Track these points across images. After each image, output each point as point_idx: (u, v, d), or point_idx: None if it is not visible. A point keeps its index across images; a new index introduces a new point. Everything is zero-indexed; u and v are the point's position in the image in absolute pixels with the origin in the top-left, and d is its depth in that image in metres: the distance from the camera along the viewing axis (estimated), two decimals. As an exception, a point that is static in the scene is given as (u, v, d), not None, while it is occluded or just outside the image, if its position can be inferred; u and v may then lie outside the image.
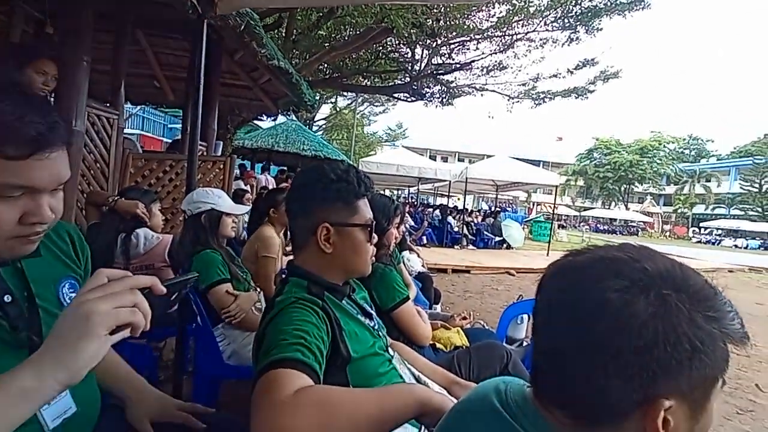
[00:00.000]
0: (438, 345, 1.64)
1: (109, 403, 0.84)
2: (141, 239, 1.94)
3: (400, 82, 10.33)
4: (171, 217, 3.11)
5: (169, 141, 7.11)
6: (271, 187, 6.00)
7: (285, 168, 11.18)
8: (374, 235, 0.99)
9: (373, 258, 1.02)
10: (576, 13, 7.39)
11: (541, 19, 7.71)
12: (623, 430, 0.44)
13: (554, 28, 7.81)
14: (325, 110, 22.17)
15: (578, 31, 7.68)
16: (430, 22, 7.45)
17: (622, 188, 42.46)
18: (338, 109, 22.25)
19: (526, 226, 17.54)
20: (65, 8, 2.44)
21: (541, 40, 8.33)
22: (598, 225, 40.15)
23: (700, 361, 0.41)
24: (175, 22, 3.31)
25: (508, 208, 32.21)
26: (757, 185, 36.19)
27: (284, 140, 9.38)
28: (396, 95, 10.91)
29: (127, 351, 0.92)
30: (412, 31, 7.36)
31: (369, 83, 11.27)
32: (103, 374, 0.85)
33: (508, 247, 11.92)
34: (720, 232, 35.61)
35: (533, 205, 36.73)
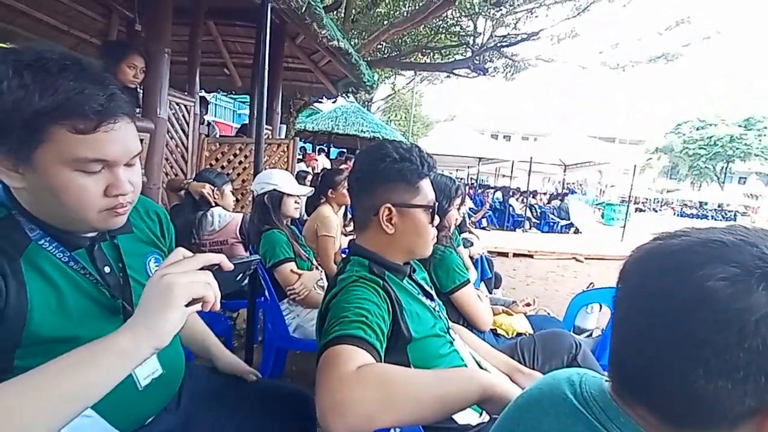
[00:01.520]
0: (499, 331, 1.59)
1: (193, 362, 0.95)
2: (216, 217, 2.10)
3: (460, 57, 9.90)
4: (241, 197, 3.33)
5: (238, 126, 7.59)
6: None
7: (344, 150, 11.42)
8: (436, 216, 0.96)
9: (434, 239, 1.00)
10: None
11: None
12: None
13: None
14: (383, 91, 22.09)
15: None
16: (495, -10, 6.99)
17: (718, 167, 37.23)
18: (396, 90, 22.02)
19: (597, 209, 16.25)
20: (149, 5, 2.65)
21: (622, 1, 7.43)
22: (684, 209, 35.55)
23: None
24: (241, 10, 3.45)
25: (576, 190, 30.00)
26: None
27: (344, 122, 9.55)
28: (456, 71, 10.49)
29: (207, 318, 1.02)
30: (474, 1, 6.96)
31: (428, 60, 10.95)
32: (192, 338, 1.00)
33: (576, 231, 11.15)
34: None
35: (606, 186, 33.60)
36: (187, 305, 0.54)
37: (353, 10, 7.92)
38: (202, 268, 0.57)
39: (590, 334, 1.96)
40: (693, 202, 35.71)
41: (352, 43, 9.06)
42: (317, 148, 10.83)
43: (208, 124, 4.65)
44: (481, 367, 1.02)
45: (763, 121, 34.95)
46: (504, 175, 15.65)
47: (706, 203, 34.90)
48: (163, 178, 2.66)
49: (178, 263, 0.56)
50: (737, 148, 34.61)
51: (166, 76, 2.56)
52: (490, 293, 2.69)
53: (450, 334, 1.00)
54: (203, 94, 5.56)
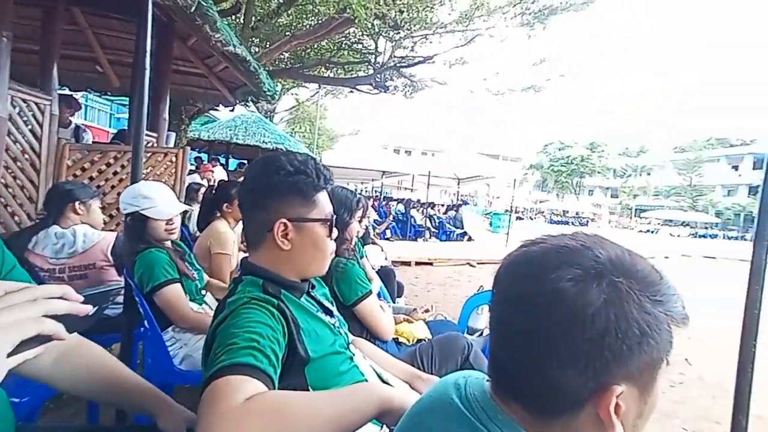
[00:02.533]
0: (401, 339, 1.64)
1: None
2: (79, 237, 1.78)
3: (363, 74, 10.23)
4: (116, 213, 2.89)
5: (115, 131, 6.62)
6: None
7: (245, 161, 10.79)
8: (335, 229, 0.95)
9: (333, 253, 0.99)
10: (533, 10, 7.64)
11: (501, 15, 7.89)
12: (578, 420, 0.44)
13: (513, 25, 8.04)
14: (287, 102, 21.59)
15: (534, 29, 7.94)
16: (393, 14, 7.41)
17: (574, 181, 44.93)
18: (300, 101, 21.73)
19: (486, 219, 18.10)
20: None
21: (500, 36, 8.55)
22: (552, 216, 42.20)
23: (648, 345, 0.42)
24: (116, 1, 3.05)
25: (469, 201, 33.12)
26: (688, 179, 39.89)
27: (243, 132, 9.05)
28: (359, 87, 10.80)
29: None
30: (374, 22, 7.28)
31: (332, 74, 11.06)
32: (122, 392, 0.80)
33: (470, 239, 12.25)
34: (659, 221, 38.72)
35: (493, 197, 37.90)
36: (11, 353, 0.42)
37: (253, 18, 7.63)
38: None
39: (481, 333, 2.15)
40: (558, 210, 42.79)
41: (252, 50, 8.69)
42: (212, 158, 10.04)
43: (77, 128, 3.94)
44: (381, 379, 1.03)
45: (602, 146, 43.56)
46: (406, 188, 16.49)
47: (567, 211, 42.17)
48: (2, 192, 2.16)
49: None
50: (586, 166, 42.40)
51: (6, 66, 2.11)
52: (393, 302, 2.77)
53: (350, 350, 0.99)
54: (68, 92, 4.73)
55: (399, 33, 8.52)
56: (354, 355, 1.00)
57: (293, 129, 23.81)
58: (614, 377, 0.42)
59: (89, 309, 0.49)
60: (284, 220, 0.87)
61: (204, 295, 1.73)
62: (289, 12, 8.02)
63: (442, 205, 15.59)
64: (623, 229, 38.43)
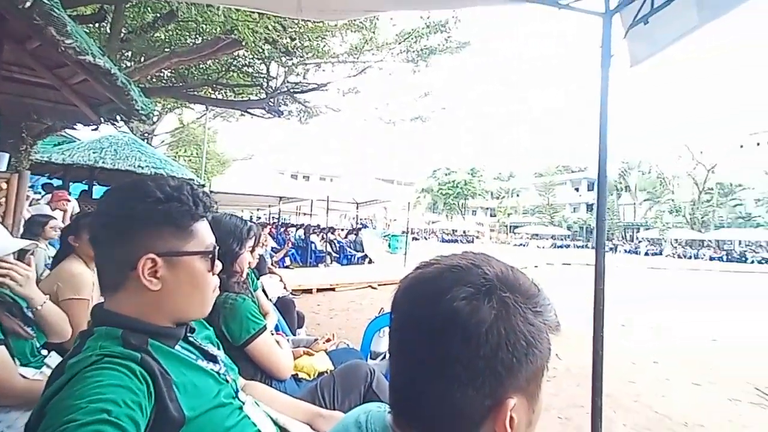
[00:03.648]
0: (301, 375, 1.53)
1: None
2: None
3: (255, 97, 9.87)
4: None
5: None
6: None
7: (113, 188, 9.33)
8: (218, 262, 0.85)
9: (218, 289, 0.87)
10: (417, 49, 8.40)
11: (389, 50, 8.49)
12: None
13: (399, 60, 8.71)
14: (169, 124, 19.56)
15: (419, 65, 8.73)
16: (285, 40, 7.37)
17: (460, 203, 49.82)
18: (185, 123, 19.90)
19: (385, 241, 18.73)
20: None
21: (389, 69, 9.17)
22: (444, 235, 46.03)
23: (533, 356, 0.44)
24: None
25: (368, 224, 34.00)
26: (546, 198, 47.94)
27: (112, 155, 7.84)
28: (251, 111, 10.37)
29: None
30: (264, 46, 7.14)
31: (220, 96, 10.42)
32: None
33: (370, 261, 12.49)
34: (528, 235, 45.23)
35: (390, 220, 39.67)
36: None
37: (123, 29, 6.80)
38: None
39: (384, 356, 2.14)
40: (448, 230, 46.86)
41: (124, 64, 7.72)
42: (71, 185, 8.43)
43: None
44: (278, 425, 0.93)
45: (480, 171, 49.60)
46: (305, 213, 16.16)
47: (456, 230, 46.56)
48: None
49: None
50: (469, 190, 47.55)
51: None
52: (294, 334, 2.62)
53: (240, 398, 0.88)
54: None
55: (291, 59, 8.51)
56: (244, 403, 0.89)
57: (176, 153, 21.59)
58: (507, 391, 0.43)
59: None
60: (152, 255, 0.74)
61: (46, 356, 1.38)
62: (169, 27, 7.38)
63: (342, 230, 15.67)
64: (502, 244, 43.76)
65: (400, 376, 0.48)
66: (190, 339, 0.85)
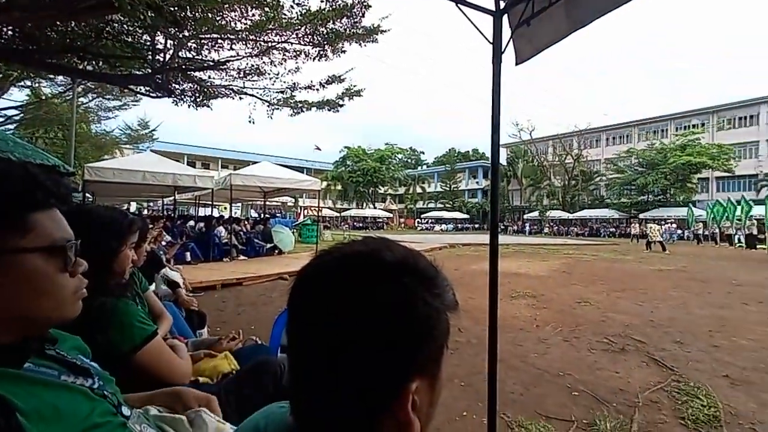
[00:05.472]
0: (202, 379, 1.40)
1: None
2: None
3: (138, 72, 8.58)
4: None
5: None
6: None
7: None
8: (81, 260, 0.71)
9: (83, 292, 0.74)
10: (323, 32, 8.14)
11: (293, 31, 8.07)
12: (382, 429, 0.43)
13: (305, 43, 8.35)
14: (20, 98, 16.00)
15: (326, 50, 8.48)
16: (173, 9, 6.50)
17: (370, 190, 50.78)
18: (44, 97, 16.50)
19: (295, 230, 18.24)
20: None
21: (295, 51, 8.73)
22: (355, 223, 46.72)
23: (432, 337, 0.44)
24: None
25: (278, 214, 32.70)
26: (448, 186, 51.88)
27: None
28: (134, 87, 9.01)
29: None
30: (147, 13, 6.20)
31: (92, 67, 8.80)
32: None
33: (280, 252, 12.04)
34: (432, 220, 48.45)
35: (300, 209, 38.71)
36: None
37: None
38: None
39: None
40: (360, 216, 47.67)
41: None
42: None
43: None
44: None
45: (389, 159, 51.15)
46: (205, 204, 14.80)
47: (367, 217, 47.60)
48: None
49: None
50: (378, 177, 48.68)
51: None
52: (195, 336, 2.40)
53: (123, 412, 0.77)
54: None
55: (182, 31, 7.55)
56: (128, 418, 0.77)
57: (33, 133, 17.88)
58: (408, 375, 0.42)
59: None
60: None
61: None
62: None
63: (248, 220, 14.80)
64: (410, 229, 46.07)
65: (298, 372, 0.45)
66: (49, 352, 0.70)
